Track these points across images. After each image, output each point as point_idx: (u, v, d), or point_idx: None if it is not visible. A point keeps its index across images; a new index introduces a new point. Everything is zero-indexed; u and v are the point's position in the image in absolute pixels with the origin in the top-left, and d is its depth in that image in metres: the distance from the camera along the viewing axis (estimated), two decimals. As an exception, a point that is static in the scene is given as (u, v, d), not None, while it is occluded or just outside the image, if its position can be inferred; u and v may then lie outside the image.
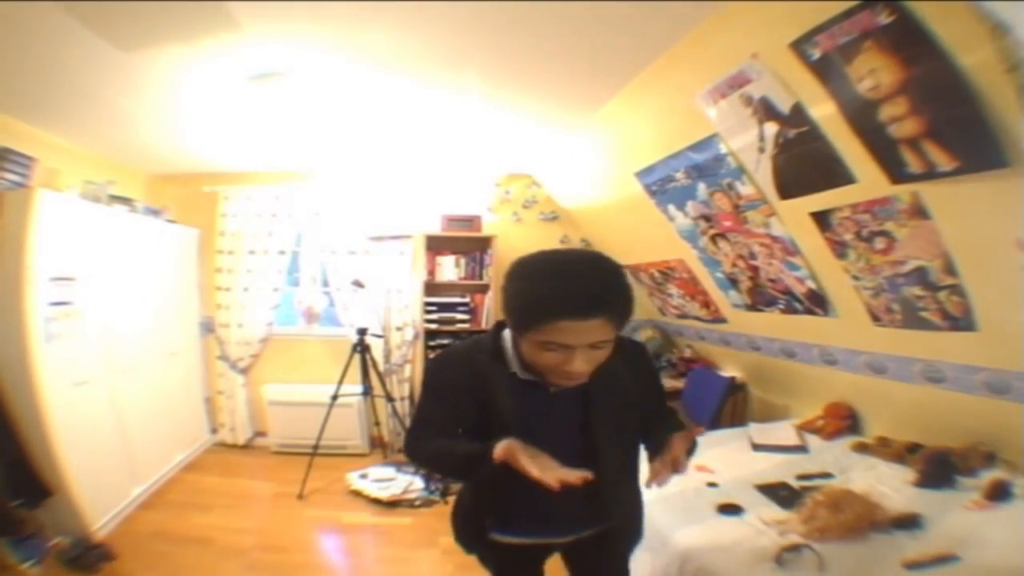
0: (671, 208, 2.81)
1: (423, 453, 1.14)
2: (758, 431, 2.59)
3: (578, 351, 0.92)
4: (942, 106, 1.35)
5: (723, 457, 2.32)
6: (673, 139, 2.38)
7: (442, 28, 1.81)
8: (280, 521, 2.92)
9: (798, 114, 1.74)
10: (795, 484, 1.99)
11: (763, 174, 2.08)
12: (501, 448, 0.96)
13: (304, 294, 4.23)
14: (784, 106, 1.76)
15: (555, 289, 0.89)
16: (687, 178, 2.50)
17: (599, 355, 0.96)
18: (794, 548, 1.50)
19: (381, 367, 3.71)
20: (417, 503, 3.08)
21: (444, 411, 1.11)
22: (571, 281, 0.89)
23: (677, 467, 1.01)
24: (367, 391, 3.50)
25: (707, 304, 3.34)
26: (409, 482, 3.22)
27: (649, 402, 1.22)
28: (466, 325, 3.82)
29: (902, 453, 2.07)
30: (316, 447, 3.29)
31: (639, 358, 1.22)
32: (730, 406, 3.15)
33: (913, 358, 2.13)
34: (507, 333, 1.09)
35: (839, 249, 2.07)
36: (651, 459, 1.11)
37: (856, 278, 2.10)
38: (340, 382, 3.34)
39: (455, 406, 1.09)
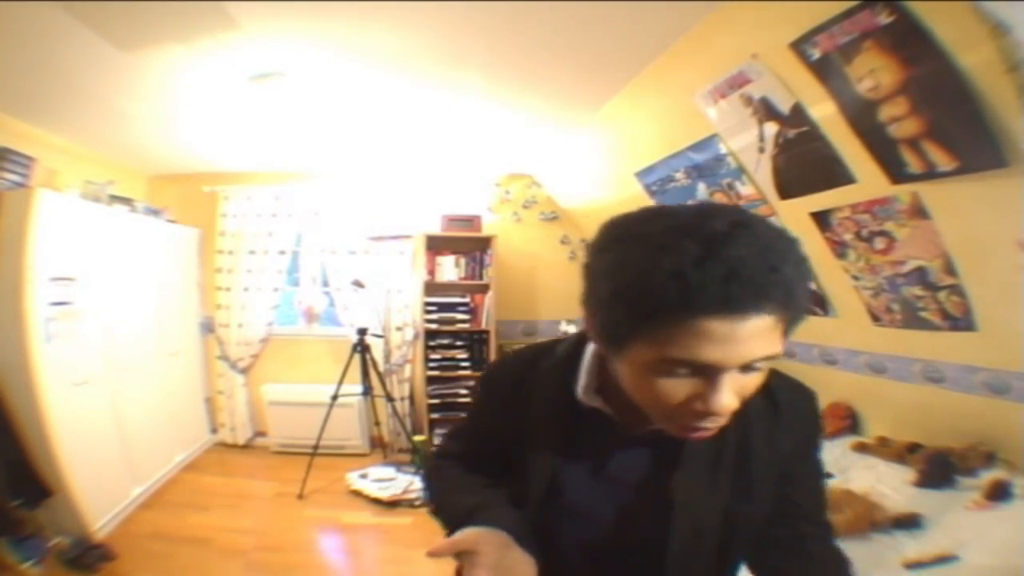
0: (671, 208, 2.80)
1: (435, 472, 0.86)
2: (758, 431, 2.59)
3: (725, 376, 0.51)
4: (942, 106, 1.35)
5: (723, 457, 2.32)
6: (673, 139, 2.38)
7: (443, 27, 1.81)
8: (280, 521, 2.92)
9: (798, 114, 1.73)
10: (795, 484, 1.99)
11: (763, 174, 2.08)
12: (456, 540, 0.63)
13: (304, 294, 4.23)
14: (784, 106, 1.76)
15: (695, 260, 0.46)
16: (687, 178, 2.50)
17: (751, 384, 0.55)
18: (794, 548, 1.50)
19: (381, 367, 3.70)
20: (417, 503, 3.08)
21: (484, 424, 0.81)
22: (723, 248, 0.47)
23: None
24: (367, 391, 3.50)
25: (707, 304, 3.34)
26: (409, 482, 3.22)
27: (794, 493, 0.71)
28: (466, 325, 3.82)
29: (902, 453, 2.07)
30: (316, 447, 3.29)
31: (802, 415, 0.72)
32: (730, 406, 3.15)
33: (913, 358, 2.13)
34: (591, 348, 0.71)
35: (839, 249, 2.07)
36: None
37: (856, 278, 2.10)
38: (340, 382, 3.34)
39: (496, 422, 0.78)
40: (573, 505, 0.70)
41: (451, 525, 0.69)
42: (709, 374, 0.51)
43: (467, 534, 0.63)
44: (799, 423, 0.70)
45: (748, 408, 0.57)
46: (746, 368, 0.52)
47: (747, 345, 0.49)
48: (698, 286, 0.46)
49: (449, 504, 0.75)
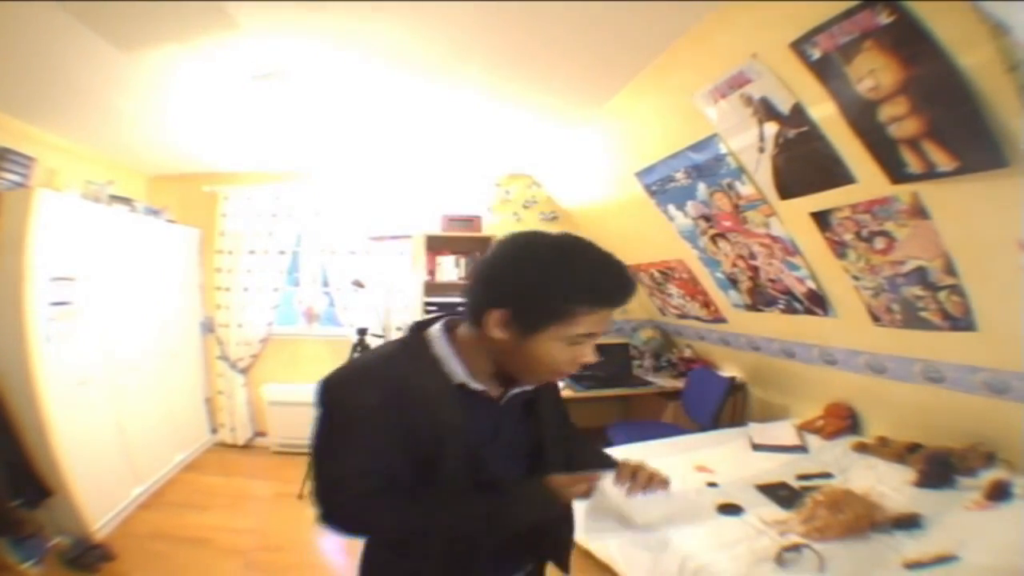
0: (671, 208, 2.81)
1: (388, 519, 0.82)
2: (758, 431, 2.59)
3: (592, 341, 0.80)
4: (942, 106, 1.35)
5: (723, 457, 2.32)
6: (673, 139, 2.38)
7: (445, 23, 1.80)
8: (280, 521, 2.92)
9: (798, 114, 1.74)
10: (795, 484, 1.99)
11: (763, 174, 2.08)
12: (568, 487, 0.84)
13: (304, 294, 4.23)
14: (784, 106, 1.76)
15: (609, 273, 0.78)
16: (687, 178, 2.50)
17: None
18: (794, 548, 1.50)
19: (381, 367, 3.69)
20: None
21: (378, 454, 0.79)
22: (614, 265, 0.79)
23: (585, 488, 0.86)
24: (367, 391, 3.49)
25: (707, 304, 3.34)
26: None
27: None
28: (466, 325, 3.82)
29: (902, 453, 2.07)
30: (316, 447, 3.29)
31: None
32: (730, 406, 3.15)
33: (913, 358, 2.13)
34: (436, 335, 0.85)
35: (839, 249, 2.07)
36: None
37: (856, 278, 2.10)
38: (340, 382, 3.33)
39: (387, 445, 0.78)
40: (489, 463, 0.84)
41: (515, 518, 0.84)
42: (590, 340, 0.80)
43: (555, 482, 0.84)
44: None
45: None
46: None
47: (608, 324, 0.81)
48: (601, 292, 0.78)
49: (461, 513, 0.82)
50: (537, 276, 0.76)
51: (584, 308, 0.76)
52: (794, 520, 1.67)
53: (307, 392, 3.25)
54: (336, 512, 0.81)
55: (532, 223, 4.16)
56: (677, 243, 3.03)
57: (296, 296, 4.26)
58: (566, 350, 0.79)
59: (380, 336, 3.80)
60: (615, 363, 3.69)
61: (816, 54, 1.51)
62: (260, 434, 4.08)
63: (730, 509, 1.81)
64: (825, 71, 1.54)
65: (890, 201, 1.72)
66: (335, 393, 0.80)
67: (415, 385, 0.79)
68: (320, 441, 0.80)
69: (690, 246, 2.95)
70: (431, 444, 0.79)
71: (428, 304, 3.78)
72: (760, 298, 2.78)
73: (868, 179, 1.72)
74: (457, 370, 0.82)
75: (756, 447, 2.44)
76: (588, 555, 2.19)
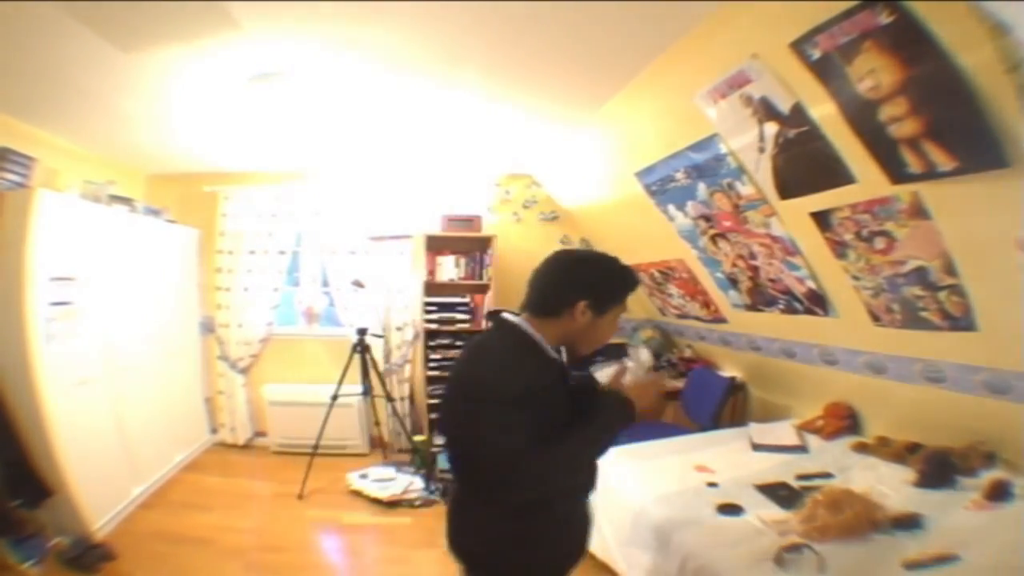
0: (671, 208, 2.81)
1: (548, 468, 1.03)
2: (758, 431, 2.59)
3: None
4: (942, 106, 1.35)
5: (723, 457, 2.32)
6: (673, 139, 2.38)
7: (444, 25, 1.80)
8: (280, 521, 2.92)
9: (798, 114, 1.74)
10: (795, 484, 1.99)
11: (763, 174, 2.08)
12: (636, 395, 1.14)
13: (304, 294, 4.23)
14: (784, 106, 1.76)
15: (632, 272, 1.18)
16: (687, 178, 2.50)
17: None
18: (794, 548, 1.50)
19: (381, 367, 3.70)
20: (417, 503, 3.08)
21: (524, 423, 1.00)
22: (626, 267, 1.18)
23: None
24: (367, 391, 3.50)
25: (707, 304, 3.34)
26: (409, 482, 3.22)
27: None
28: (466, 325, 3.82)
29: (902, 453, 2.07)
30: (316, 447, 3.29)
31: None
32: (730, 406, 3.15)
33: (913, 358, 2.13)
34: (526, 327, 1.13)
35: (839, 249, 2.07)
36: None
37: (856, 278, 2.10)
38: (340, 382, 3.34)
39: (530, 413, 1.01)
40: (558, 413, 1.12)
41: (612, 430, 1.11)
42: (619, 319, 1.19)
43: (625, 389, 1.16)
44: None
45: None
46: None
47: None
48: (634, 285, 1.19)
49: (592, 437, 1.10)
50: (610, 276, 1.15)
51: (627, 295, 1.17)
52: (794, 520, 1.67)
53: (307, 392, 3.27)
54: (518, 478, 1.00)
55: (532, 223, 4.17)
56: (677, 243, 3.03)
57: (296, 296, 4.26)
58: (612, 326, 1.17)
59: (380, 336, 3.81)
60: (615, 363, 3.68)
61: (816, 54, 1.51)
62: (260, 434, 4.09)
63: (730, 509, 1.81)
64: (825, 71, 1.54)
65: (890, 201, 1.72)
66: (490, 386, 1.02)
67: (535, 367, 1.09)
68: (487, 426, 1.00)
69: (690, 246, 2.95)
70: (551, 400, 1.09)
71: (428, 304, 3.78)
72: (760, 298, 2.78)
73: (868, 179, 1.72)
74: (549, 349, 1.13)
75: (756, 447, 2.44)
76: (588, 555, 2.19)
